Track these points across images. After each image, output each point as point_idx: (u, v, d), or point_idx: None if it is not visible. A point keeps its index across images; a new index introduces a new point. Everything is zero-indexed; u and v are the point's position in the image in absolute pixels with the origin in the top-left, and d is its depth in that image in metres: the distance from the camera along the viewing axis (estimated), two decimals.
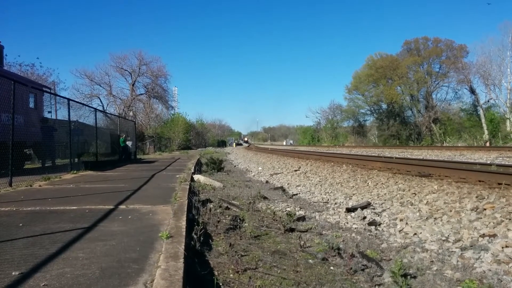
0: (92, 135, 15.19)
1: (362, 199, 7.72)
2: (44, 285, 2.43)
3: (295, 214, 6.17)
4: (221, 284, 3.12)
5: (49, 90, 18.74)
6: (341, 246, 4.62)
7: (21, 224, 4.22)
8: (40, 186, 8.07)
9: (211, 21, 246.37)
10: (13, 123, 8.03)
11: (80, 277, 2.57)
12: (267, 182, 12.23)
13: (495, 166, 8.53)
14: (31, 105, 12.73)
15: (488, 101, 41.46)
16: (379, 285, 3.57)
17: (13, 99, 8.11)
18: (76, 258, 2.97)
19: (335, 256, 4.28)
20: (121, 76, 46.52)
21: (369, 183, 9.01)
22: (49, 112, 15.63)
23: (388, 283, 3.56)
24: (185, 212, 4.74)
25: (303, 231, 5.40)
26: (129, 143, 20.37)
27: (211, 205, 6.37)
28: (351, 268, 3.82)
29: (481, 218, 5.06)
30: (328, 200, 8.21)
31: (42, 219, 4.50)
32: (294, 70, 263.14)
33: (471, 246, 4.37)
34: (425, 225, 5.35)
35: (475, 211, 5.36)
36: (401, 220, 5.81)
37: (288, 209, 7.02)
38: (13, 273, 2.62)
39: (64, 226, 4.11)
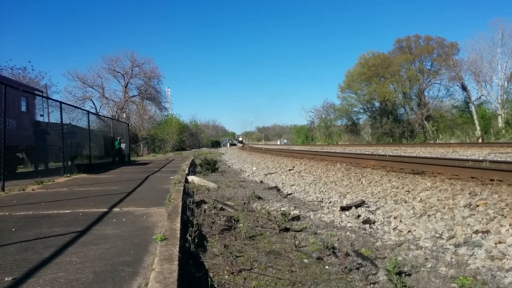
0: (85, 137, 15.10)
1: (356, 197, 7.74)
2: None
3: (289, 214, 6.18)
4: (216, 286, 3.12)
5: (41, 93, 18.60)
6: (335, 245, 4.63)
7: (14, 229, 4.19)
8: (33, 190, 8.00)
9: (203, 21, 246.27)
10: (4, 127, 7.97)
11: (73, 281, 2.55)
12: (261, 182, 12.23)
13: (488, 162, 8.59)
14: (23, 108, 12.63)
15: (480, 98, 41.79)
16: (374, 283, 3.58)
17: (4, 103, 8.06)
18: (70, 263, 2.95)
19: (330, 255, 4.29)
20: (114, 78, 46.43)
21: (363, 182, 9.04)
22: (42, 115, 15.53)
23: (383, 281, 3.58)
24: (180, 214, 4.73)
25: (298, 231, 5.40)
26: (123, 145, 20.29)
27: (205, 206, 6.35)
28: (346, 267, 3.83)
29: (474, 214, 5.10)
30: (322, 199, 8.23)
31: (35, 224, 4.47)
32: (287, 70, 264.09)
33: (465, 242, 4.40)
34: (419, 222, 5.38)
35: (468, 207, 5.39)
36: (395, 218, 5.84)
37: (282, 208, 7.02)
38: (6, 279, 2.60)
39: (57, 230, 4.09)
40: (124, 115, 42.87)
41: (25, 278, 2.62)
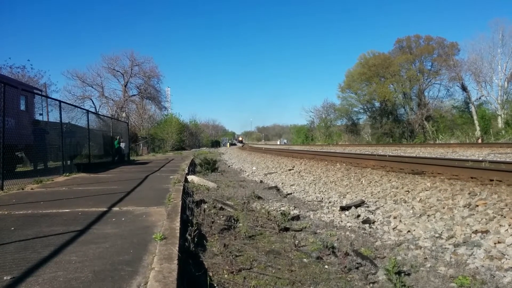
0: (85, 137, 15.09)
1: (356, 197, 7.74)
2: None
3: (289, 214, 6.18)
4: (215, 285, 3.12)
5: (40, 92, 18.57)
6: (335, 244, 4.63)
7: (13, 228, 4.18)
8: (32, 189, 7.99)
9: (203, 20, 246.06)
10: (3, 126, 7.95)
11: (72, 280, 2.55)
12: (261, 181, 12.22)
13: (487, 162, 8.59)
14: (22, 107, 12.61)
15: (480, 98, 41.81)
16: (373, 283, 3.58)
17: (3, 102, 8.04)
18: (69, 262, 2.95)
19: (329, 254, 4.29)
20: (113, 77, 46.46)
21: (363, 182, 9.04)
22: (41, 114, 15.50)
23: (382, 280, 3.58)
24: (179, 213, 4.72)
25: (298, 230, 5.40)
26: (122, 145, 20.28)
27: (205, 206, 6.35)
28: (346, 267, 3.83)
29: (474, 214, 5.10)
30: (322, 199, 8.23)
31: (35, 223, 4.46)
32: (287, 69, 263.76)
33: (464, 242, 4.40)
34: (418, 222, 5.38)
35: (468, 207, 5.39)
36: (394, 217, 5.84)
37: (282, 208, 7.02)
38: (5, 278, 2.59)
39: (56, 229, 4.08)
40: (124, 115, 42.85)
41: (24, 277, 2.62)
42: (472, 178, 6.98)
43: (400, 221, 5.62)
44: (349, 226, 5.78)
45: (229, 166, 20.47)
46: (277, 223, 5.40)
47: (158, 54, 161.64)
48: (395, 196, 7.10)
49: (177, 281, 2.49)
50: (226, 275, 3.40)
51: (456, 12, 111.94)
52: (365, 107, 58.76)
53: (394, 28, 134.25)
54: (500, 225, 4.53)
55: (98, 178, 10.69)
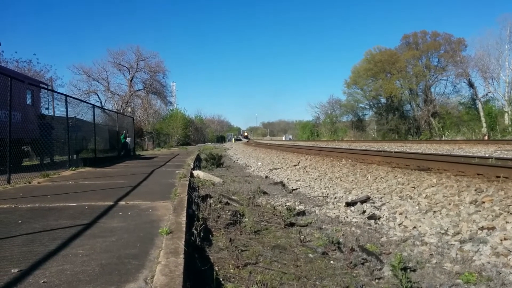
0: (91, 131, 15.14)
1: (361, 193, 7.72)
2: (43, 282, 2.42)
3: (295, 209, 6.18)
4: (221, 279, 3.12)
5: (46, 87, 18.66)
6: (341, 240, 4.63)
7: (20, 221, 4.22)
8: (39, 183, 8.05)
9: (209, 16, 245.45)
10: (10, 120, 7.99)
11: (79, 273, 2.56)
12: (266, 177, 12.23)
13: (494, 159, 8.54)
14: (29, 101, 12.67)
15: (487, 95, 41.53)
16: (379, 278, 3.57)
17: (10, 96, 8.07)
18: (76, 255, 2.97)
19: (335, 250, 4.29)
20: (119, 71, 46.40)
21: (369, 178, 9.02)
22: (47, 108, 15.61)
23: (388, 276, 3.57)
24: (185, 208, 4.73)
25: (303, 226, 5.40)
26: (128, 140, 20.36)
27: (211, 201, 6.36)
28: (351, 262, 3.83)
29: (480, 211, 5.07)
30: (327, 194, 8.22)
31: (41, 216, 4.49)
32: (293, 65, 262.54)
33: (470, 239, 4.38)
34: (424, 218, 5.36)
35: (474, 204, 5.37)
36: (400, 213, 5.82)
37: (288, 204, 7.02)
38: (13, 270, 2.61)
39: (63, 223, 4.10)
40: (129, 109, 42.92)
41: (32, 270, 2.63)
42: (478, 174, 6.95)
43: (406, 217, 5.60)
44: (355, 222, 5.77)
45: (234, 162, 20.49)
46: (283, 218, 5.40)
47: (163, 49, 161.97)
48: (401, 192, 7.07)
49: (183, 275, 2.50)
50: (232, 270, 3.41)
51: (463, 8, 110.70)
52: (371, 103, 58.57)
53: (400, 24, 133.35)
54: (506, 222, 4.50)
55: (104, 172, 10.74)
